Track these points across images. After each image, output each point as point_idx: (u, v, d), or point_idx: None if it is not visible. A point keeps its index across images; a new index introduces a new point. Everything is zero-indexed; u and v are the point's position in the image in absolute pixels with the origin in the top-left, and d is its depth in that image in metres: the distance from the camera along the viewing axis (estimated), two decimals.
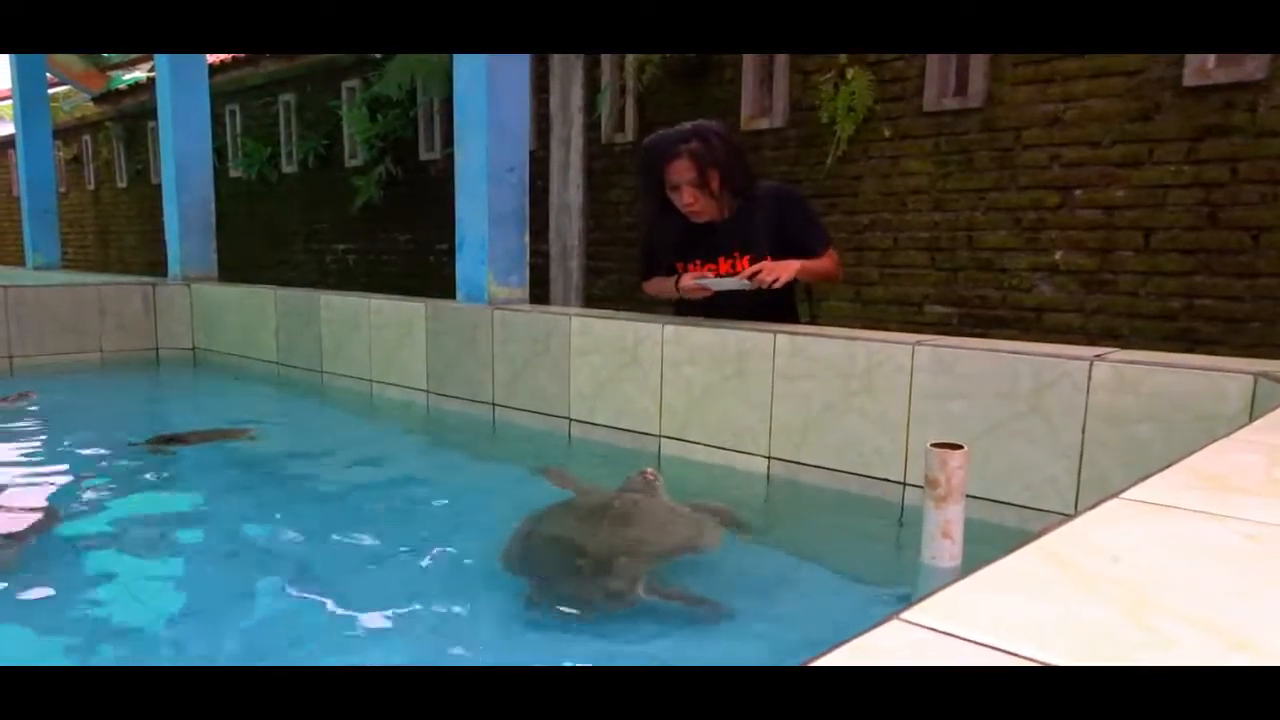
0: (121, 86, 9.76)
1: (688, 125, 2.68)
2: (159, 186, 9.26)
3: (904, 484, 2.31)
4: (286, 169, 7.63)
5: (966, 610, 0.64)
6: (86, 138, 10.60)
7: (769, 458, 2.58)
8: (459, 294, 3.52)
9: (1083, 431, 2.02)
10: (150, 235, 9.44)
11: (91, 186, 10.62)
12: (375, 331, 3.85)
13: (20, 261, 5.13)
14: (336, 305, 4.04)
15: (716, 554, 1.97)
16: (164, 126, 5.16)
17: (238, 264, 8.21)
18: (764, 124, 4.51)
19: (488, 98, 3.28)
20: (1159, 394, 1.92)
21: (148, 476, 2.78)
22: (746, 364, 2.59)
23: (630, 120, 5.10)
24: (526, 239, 3.49)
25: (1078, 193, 3.66)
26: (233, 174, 8.07)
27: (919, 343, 2.26)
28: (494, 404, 3.34)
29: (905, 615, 0.58)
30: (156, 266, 9.61)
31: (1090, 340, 3.66)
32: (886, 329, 4.13)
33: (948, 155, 3.95)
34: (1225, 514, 0.80)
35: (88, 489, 2.66)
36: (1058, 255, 3.72)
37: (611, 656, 1.58)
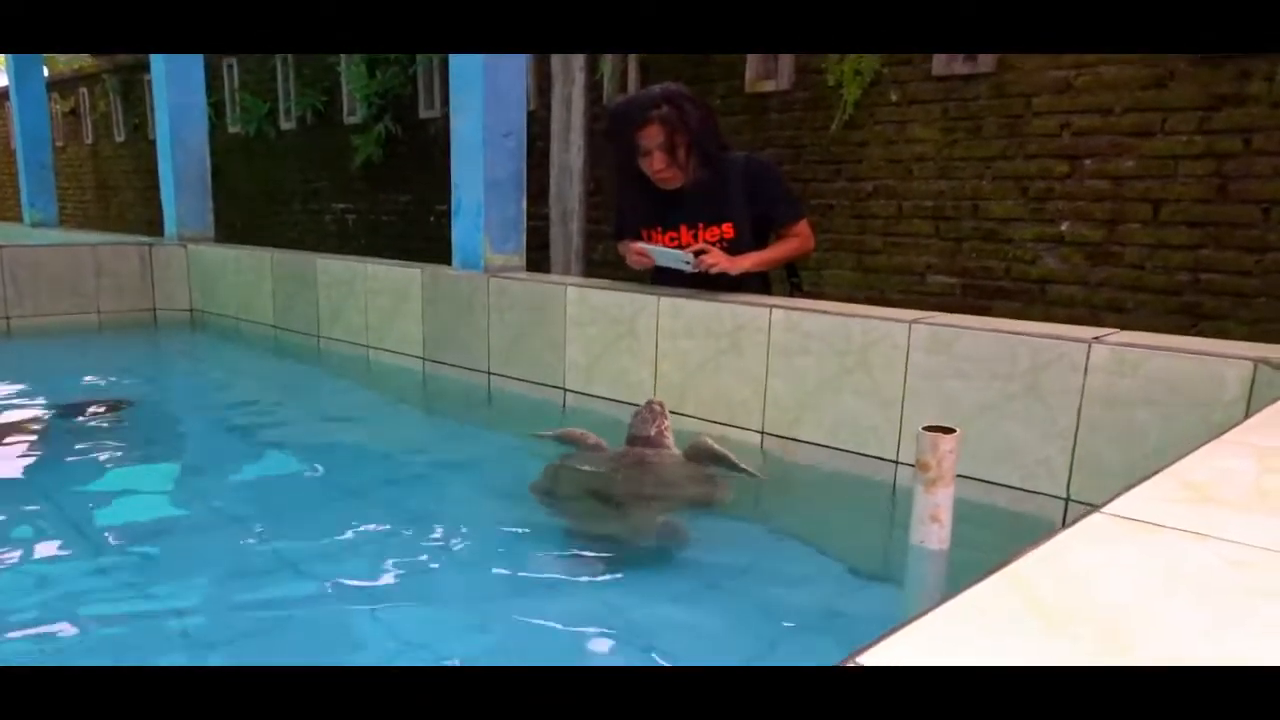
0: None
1: (657, 89, 2.63)
2: (156, 141, 9.19)
3: (897, 463, 2.29)
4: (285, 125, 7.54)
5: (925, 652, 0.61)
6: (84, 90, 10.48)
7: (763, 433, 2.56)
8: (455, 261, 3.48)
9: (1078, 414, 1.99)
10: (148, 191, 9.37)
11: (89, 141, 10.52)
12: (371, 297, 3.82)
13: (18, 217, 5.07)
14: (334, 269, 4.01)
15: (719, 514, 2.13)
16: (157, 81, 5.08)
17: (237, 222, 8.16)
18: (769, 86, 4.42)
19: (484, 61, 3.21)
20: (1157, 378, 1.89)
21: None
22: (742, 338, 2.56)
23: (633, 80, 5.01)
24: (524, 205, 3.44)
25: (1087, 162, 3.59)
26: (231, 130, 7.98)
27: (916, 320, 2.22)
28: (489, 372, 3.32)
29: (861, 659, 0.56)
30: (154, 223, 9.56)
31: (1094, 314, 3.62)
32: (888, 299, 4.09)
33: (955, 121, 3.87)
34: (1208, 533, 0.77)
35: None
36: (1064, 226, 3.66)
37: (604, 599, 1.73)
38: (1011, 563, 0.70)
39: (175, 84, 5.00)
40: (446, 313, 3.47)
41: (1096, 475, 1.98)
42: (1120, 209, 3.52)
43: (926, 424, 1.87)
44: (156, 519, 2.24)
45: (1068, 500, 2.03)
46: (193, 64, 5.07)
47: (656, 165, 2.62)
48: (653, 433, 2.41)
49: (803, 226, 2.74)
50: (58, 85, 11.14)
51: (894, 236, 4.08)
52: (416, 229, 6.52)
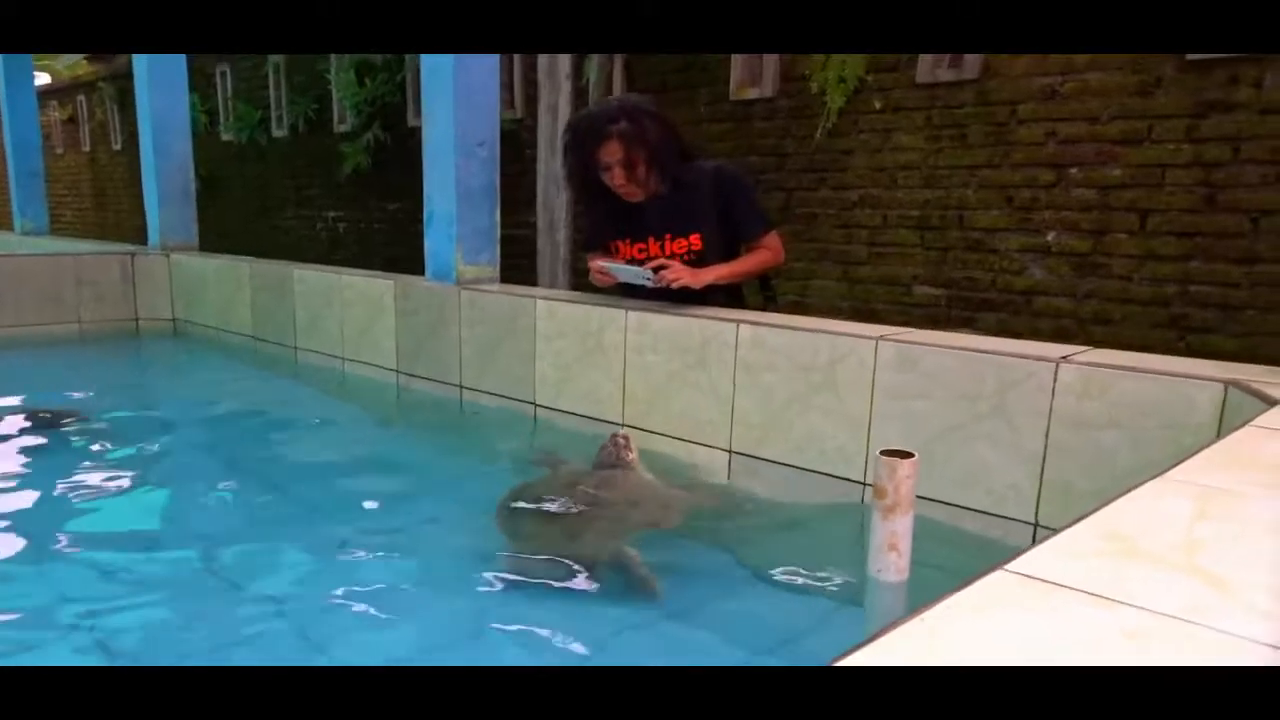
0: None
1: (615, 103, 2.57)
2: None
3: (864, 484, 2.22)
4: (277, 133, 7.51)
5: None
6: (81, 98, 10.49)
7: (730, 451, 2.49)
8: (427, 272, 3.42)
9: (1046, 436, 1.92)
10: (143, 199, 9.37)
11: (87, 148, 10.53)
12: (346, 308, 3.76)
13: (59, 230, 5.05)
14: (310, 280, 3.96)
15: (675, 537, 2.10)
16: (140, 88, 5.04)
17: (231, 230, 8.13)
18: (754, 93, 4.36)
19: (454, 68, 3.15)
20: (1126, 401, 1.82)
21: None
22: (708, 353, 2.50)
23: (618, 86, 4.95)
24: (497, 216, 3.38)
25: (1073, 171, 3.51)
26: (225, 137, 7.96)
27: (882, 337, 2.15)
28: (461, 386, 3.26)
29: None
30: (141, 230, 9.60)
31: (1081, 325, 3.54)
32: (874, 310, 4.02)
33: (940, 129, 3.80)
34: (1115, 597, 0.71)
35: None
36: (1050, 236, 3.59)
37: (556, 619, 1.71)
38: (884, 635, 0.64)
39: (158, 91, 4.95)
40: (419, 325, 3.41)
41: (1065, 500, 1.90)
42: (1107, 219, 3.44)
43: (885, 448, 1.80)
44: (84, 533, 2.19)
45: (1036, 525, 1.96)
46: (176, 71, 5.03)
47: (616, 181, 2.57)
48: (616, 464, 2.33)
49: (771, 239, 2.68)
50: (56, 93, 11.15)
51: (879, 247, 4.01)
52: (405, 237, 6.47)
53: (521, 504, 2.20)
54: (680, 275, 2.50)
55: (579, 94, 5.14)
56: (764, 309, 2.93)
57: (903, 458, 1.77)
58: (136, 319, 4.89)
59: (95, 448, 2.82)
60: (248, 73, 7.70)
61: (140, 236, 9.82)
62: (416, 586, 1.95)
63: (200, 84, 8.30)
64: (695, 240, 2.64)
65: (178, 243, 5.10)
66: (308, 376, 3.87)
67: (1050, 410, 1.91)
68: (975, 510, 2.04)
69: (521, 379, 3.03)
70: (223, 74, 7.93)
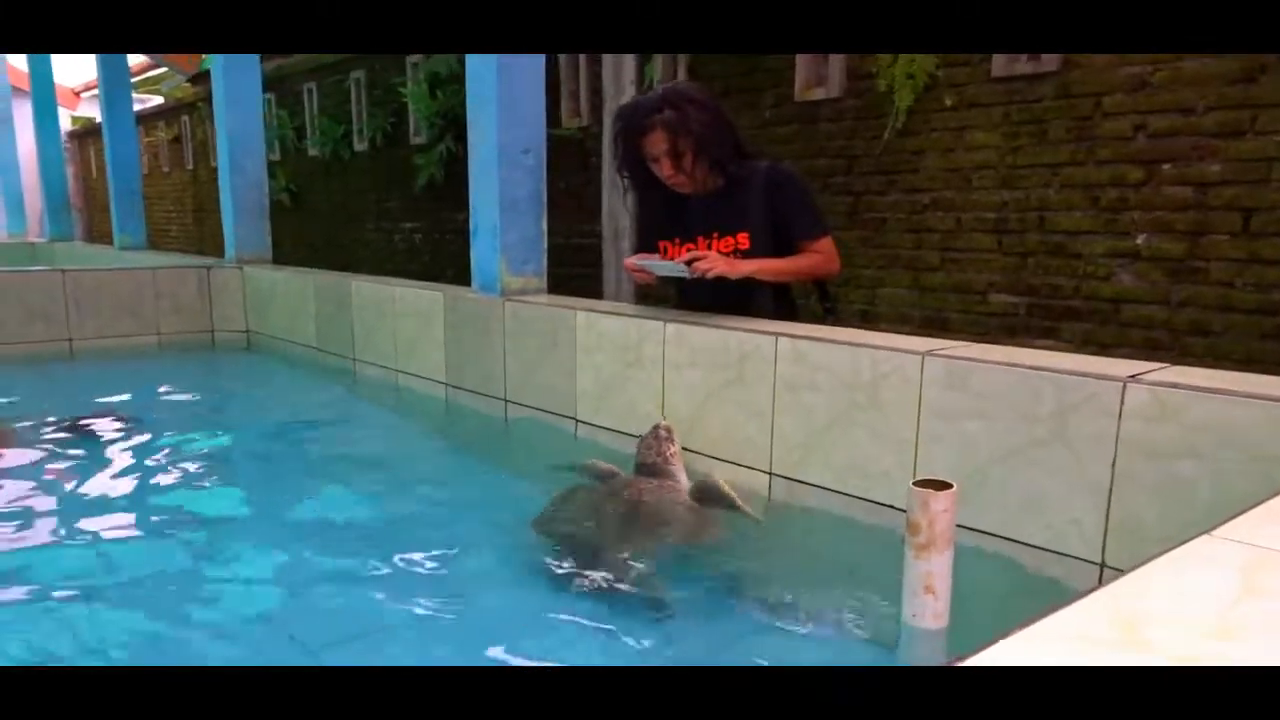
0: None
1: (660, 90, 2.44)
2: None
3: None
4: (358, 147, 7.65)
5: None
6: (185, 118, 10.97)
7: (770, 474, 2.33)
8: (474, 283, 3.36)
9: (1113, 466, 1.70)
10: None
11: (190, 166, 11.01)
12: (399, 320, 3.74)
13: (168, 245, 5.25)
14: (366, 292, 3.96)
15: (701, 567, 2.03)
16: (218, 106, 5.18)
17: (317, 243, 8.34)
18: (819, 94, 4.17)
19: (498, 74, 3.08)
20: (1205, 426, 1.59)
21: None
22: (746, 369, 2.34)
23: None
24: (544, 225, 3.29)
25: (1165, 167, 3.21)
26: (311, 153, 8.17)
27: (929, 352, 1.96)
28: (506, 400, 3.18)
29: None
30: None
31: (1175, 337, 3.23)
32: (947, 321, 3.77)
33: (1018, 126, 3.54)
34: None
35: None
36: (1140, 239, 3.28)
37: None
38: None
39: (233, 110, 5.08)
40: (466, 337, 3.35)
41: (1136, 539, 1.68)
42: (1205, 219, 3.13)
43: (920, 477, 1.62)
44: (125, 539, 2.20)
45: (1103, 567, 1.74)
46: (251, 89, 5.15)
47: (665, 172, 2.46)
48: (657, 459, 2.33)
49: (824, 244, 2.50)
50: (164, 114, 11.71)
51: (953, 252, 3.77)
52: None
53: (555, 522, 2.17)
54: (715, 265, 2.35)
55: None
56: (822, 321, 2.76)
57: (939, 488, 1.58)
58: (212, 331, 5.00)
59: (134, 453, 2.88)
60: (331, 88, 7.88)
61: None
62: (446, 602, 1.89)
63: (289, 101, 8.55)
64: (743, 239, 2.50)
65: (252, 255, 5.21)
66: (363, 388, 3.86)
67: (1117, 436, 1.69)
68: (1032, 546, 1.83)
69: (563, 393, 2.93)
70: (309, 90, 8.15)
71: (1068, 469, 1.76)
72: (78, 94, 13.93)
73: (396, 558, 2.05)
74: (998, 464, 1.86)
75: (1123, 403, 1.68)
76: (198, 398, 3.76)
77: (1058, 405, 1.76)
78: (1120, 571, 1.71)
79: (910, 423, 2.01)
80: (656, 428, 2.40)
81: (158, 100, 12.85)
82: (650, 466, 2.35)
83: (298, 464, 2.85)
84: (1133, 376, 1.68)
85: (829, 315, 2.75)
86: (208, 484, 2.69)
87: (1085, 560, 1.75)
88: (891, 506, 2.06)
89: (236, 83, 5.08)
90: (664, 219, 2.63)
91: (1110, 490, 1.71)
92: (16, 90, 10.02)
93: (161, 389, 3.94)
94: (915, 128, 3.83)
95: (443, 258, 6.81)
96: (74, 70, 14.33)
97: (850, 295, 4.15)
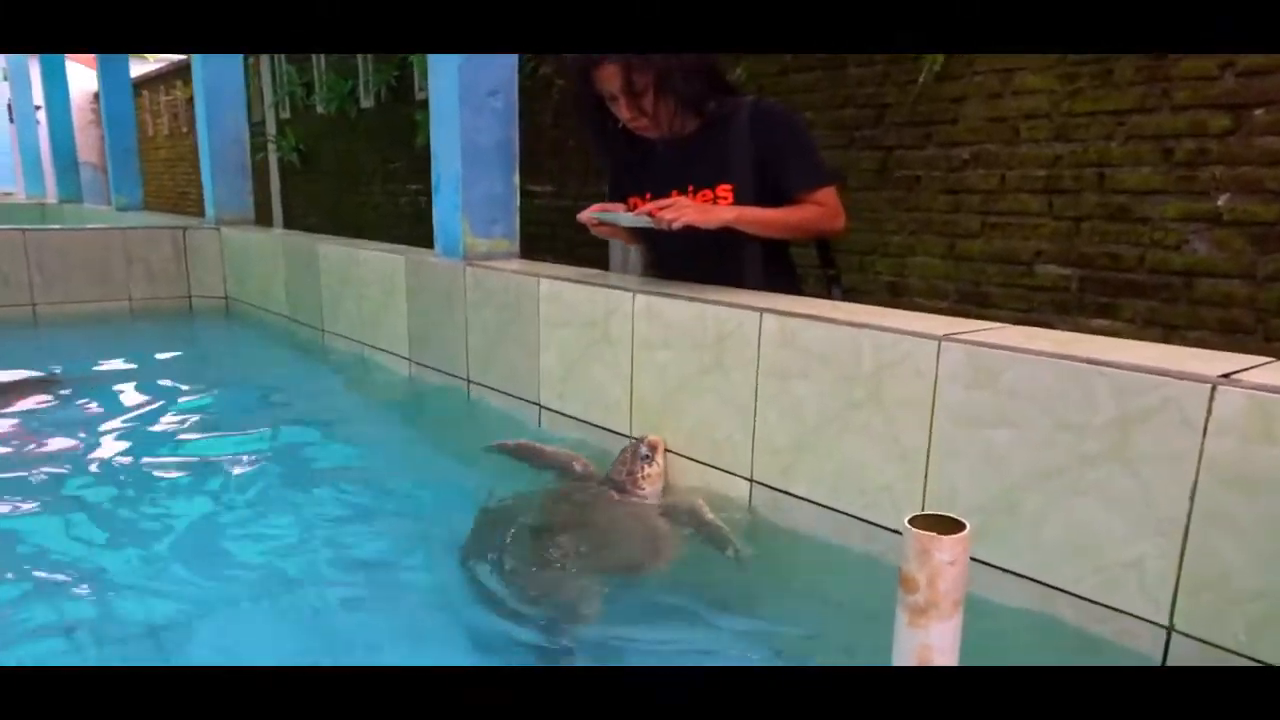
0: None
1: None
2: (260, 124, 9.18)
3: None
4: (365, 103, 7.25)
5: None
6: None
7: (751, 480, 1.90)
8: (436, 246, 2.95)
9: (1192, 499, 1.24)
10: (255, 174, 9.42)
11: None
12: (364, 287, 3.36)
13: (201, 211, 4.95)
14: (333, 256, 3.57)
15: (655, 592, 1.68)
16: (196, 61, 4.81)
17: (326, 205, 7.99)
18: None
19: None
20: None
21: None
22: (726, 352, 1.90)
23: None
24: (515, 180, 2.86)
25: (1257, 113, 2.67)
26: (319, 110, 7.80)
27: (946, 336, 1.51)
28: (468, 380, 2.78)
29: None
30: (261, 205, 9.62)
31: (1261, 318, 2.70)
32: (986, 294, 3.27)
33: (1077, 66, 3.01)
34: None
35: None
36: (1221, 201, 2.75)
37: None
38: None
39: (210, 63, 4.70)
40: (428, 306, 2.95)
41: (1218, 597, 1.23)
42: None
43: (924, 512, 1.18)
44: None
45: (1170, 631, 1.28)
46: None
47: (624, 114, 2.01)
48: (625, 479, 1.98)
49: (825, 195, 2.04)
50: (182, 73, 11.41)
51: (995, 215, 3.26)
52: None
53: (484, 532, 1.83)
54: (683, 213, 1.89)
55: None
56: (827, 294, 2.30)
57: (947, 529, 1.14)
58: (189, 296, 4.68)
59: (50, 421, 2.67)
60: None
61: (260, 211, 9.93)
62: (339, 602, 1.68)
63: (297, 56, 8.19)
64: (724, 192, 2.05)
65: (233, 216, 4.86)
66: (325, 363, 3.49)
67: (1200, 456, 1.23)
68: (1074, 595, 1.38)
69: (525, 374, 2.52)
70: None
71: (1128, 498, 1.30)
72: None
73: (296, 554, 1.80)
74: (1034, 486, 1.41)
75: (1209, 412, 1.21)
76: (139, 368, 3.40)
77: (1118, 412, 1.30)
78: (1192, 639, 1.26)
79: (921, 427, 1.56)
80: (638, 443, 2.02)
81: (177, 57, 12.57)
82: (617, 484, 1.96)
83: (224, 449, 2.47)
84: (1226, 376, 1.22)
85: (833, 286, 2.30)
86: (121, 459, 2.39)
87: (1146, 620, 1.30)
88: (895, 531, 1.61)
89: None
90: (632, 170, 2.19)
91: (1186, 529, 1.25)
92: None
93: (108, 357, 3.60)
94: (955, 71, 3.31)
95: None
96: None
97: (877, 265, 3.66)
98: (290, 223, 8.96)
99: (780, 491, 1.83)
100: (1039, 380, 1.39)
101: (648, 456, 1.99)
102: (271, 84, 8.76)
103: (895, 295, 3.60)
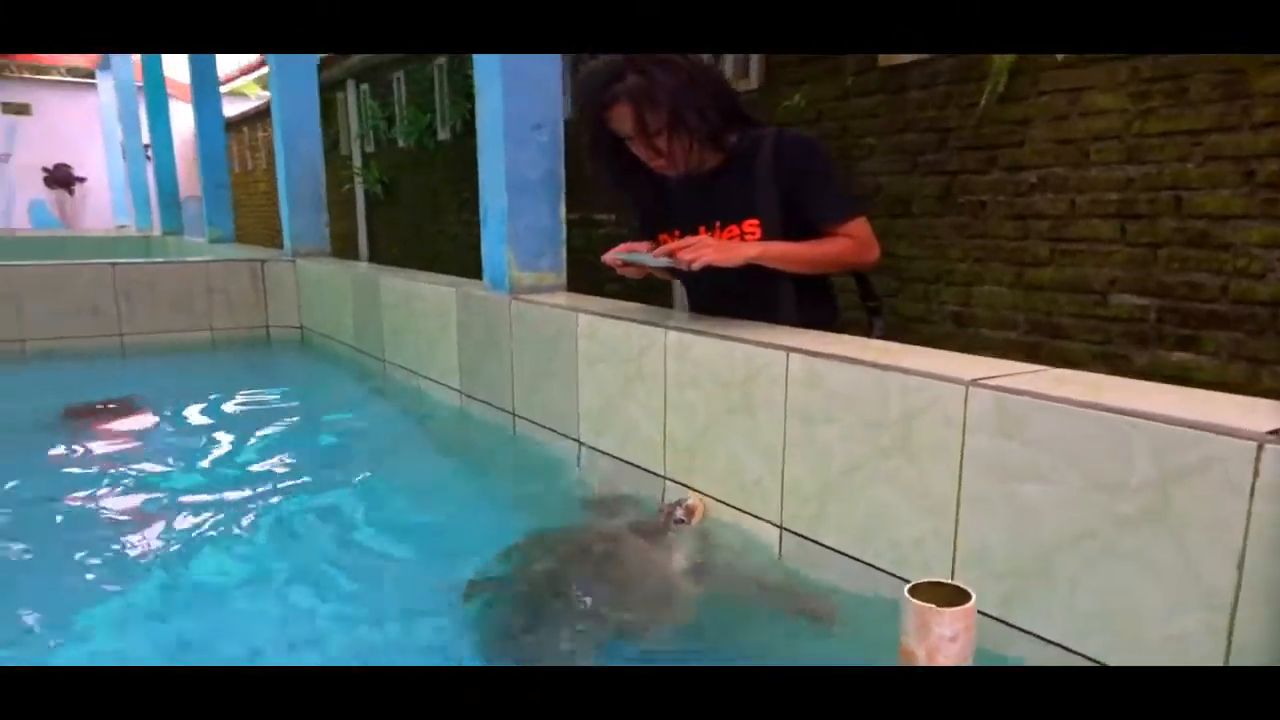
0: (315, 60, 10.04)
1: (624, 55, 1.93)
2: (348, 157, 9.50)
3: None
4: (442, 136, 7.43)
5: None
6: None
7: (780, 527, 1.82)
8: (485, 278, 2.96)
9: (1240, 562, 1.12)
10: (346, 206, 9.75)
11: None
12: (420, 319, 3.40)
13: (279, 243, 5.16)
14: (396, 288, 3.63)
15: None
16: (273, 92, 5.00)
17: (406, 236, 8.20)
18: (906, 56, 3.55)
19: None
20: None
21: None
22: (754, 391, 1.84)
23: (755, 63, 4.28)
24: (562, 213, 2.86)
25: None
26: (400, 144, 8.03)
27: (976, 382, 1.41)
28: (514, 413, 2.77)
29: None
30: (349, 236, 9.94)
31: None
32: (1057, 325, 3.11)
33: (1149, 84, 2.85)
34: None
35: None
36: None
37: None
38: None
39: (287, 96, 4.88)
40: (477, 339, 2.97)
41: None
42: None
43: (922, 580, 1.10)
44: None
45: None
46: (306, 75, 4.94)
47: (642, 154, 1.98)
48: (654, 531, 1.90)
49: (855, 227, 1.96)
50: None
51: (1065, 242, 3.10)
52: None
53: (497, 569, 1.83)
54: (702, 252, 1.84)
55: None
56: (869, 331, 2.21)
57: (951, 599, 1.06)
58: (267, 326, 4.83)
59: (153, 440, 2.88)
60: (418, 76, 7.70)
61: (340, 240, 10.26)
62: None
63: (380, 91, 8.46)
64: (751, 227, 2.00)
65: (309, 248, 5.01)
66: (384, 393, 3.54)
67: (1247, 523, 1.11)
68: (1114, 664, 1.26)
69: (565, 409, 2.50)
70: (398, 80, 8.00)
71: (1169, 566, 1.19)
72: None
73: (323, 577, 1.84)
74: (1067, 548, 1.31)
75: (1256, 474, 1.10)
76: (212, 394, 3.51)
77: (1156, 471, 1.19)
78: None
79: (951, 478, 1.46)
80: (677, 505, 1.93)
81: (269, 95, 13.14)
82: (648, 534, 1.88)
83: (270, 478, 2.52)
84: (1274, 433, 1.10)
85: (874, 319, 2.20)
86: (175, 482, 2.51)
87: None
88: None
89: (291, 67, 4.88)
90: (662, 206, 2.15)
91: (1234, 603, 1.13)
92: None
93: (185, 384, 3.74)
94: (1019, 91, 3.17)
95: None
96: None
97: (942, 294, 3.53)
98: (374, 252, 9.23)
99: (809, 540, 1.75)
100: (1069, 431, 1.29)
101: (682, 520, 1.91)
102: (358, 118, 9.06)
103: (960, 325, 3.46)
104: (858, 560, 1.65)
